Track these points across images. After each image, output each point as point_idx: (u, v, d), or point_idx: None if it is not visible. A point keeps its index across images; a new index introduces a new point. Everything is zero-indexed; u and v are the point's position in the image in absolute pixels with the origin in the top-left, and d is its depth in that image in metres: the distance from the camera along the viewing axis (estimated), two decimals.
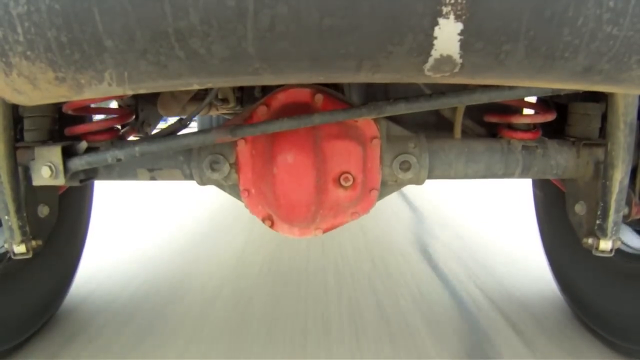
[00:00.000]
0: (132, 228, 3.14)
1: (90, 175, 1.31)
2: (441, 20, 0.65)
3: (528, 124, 1.32)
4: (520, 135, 1.31)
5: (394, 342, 1.63)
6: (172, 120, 1.87)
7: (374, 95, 1.63)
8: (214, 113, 2.69)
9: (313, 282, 2.18)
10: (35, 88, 0.79)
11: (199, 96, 1.83)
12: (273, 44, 0.68)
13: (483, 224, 3.20)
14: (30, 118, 1.36)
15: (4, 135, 1.11)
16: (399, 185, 1.34)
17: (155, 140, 1.15)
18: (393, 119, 1.29)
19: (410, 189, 4.31)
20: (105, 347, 1.63)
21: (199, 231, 3.08)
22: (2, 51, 0.72)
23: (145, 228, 3.15)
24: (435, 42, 0.68)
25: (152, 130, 1.88)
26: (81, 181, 1.25)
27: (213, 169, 1.27)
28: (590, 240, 1.25)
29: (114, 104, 1.87)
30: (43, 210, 1.38)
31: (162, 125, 1.91)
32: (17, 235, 1.22)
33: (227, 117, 3.48)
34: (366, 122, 1.24)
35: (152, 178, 1.34)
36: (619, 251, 1.47)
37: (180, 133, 1.27)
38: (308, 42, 0.68)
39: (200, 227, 3.17)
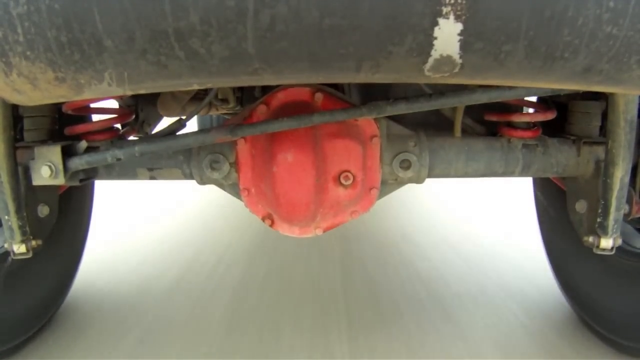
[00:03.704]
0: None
1: (90, 174, 1.31)
2: (441, 21, 0.65)
3: (528, 123, 1.32)
4: (520, 133, 1.31)
5: None
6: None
7: (374, 94, 1.63)
8: (213, 113, 2.69)
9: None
10: (35, 88, 0.79)
11: (199, 96, 1.83)
12: (273, 44, 0.68)
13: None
14: (30, 118, 1.36)
15: (4, 135, 1.11)
16: (399, 183, 1.34)
17: (155, 139, 1.15)
18: (393, 117, 1.29)
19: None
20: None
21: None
22: (2, 51, 0.72)
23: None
24: (435, 42, 0.68)
25: (152, 130, 1.88)
26: (81, 181, 1.25)
27: (213, 168, 1.27)
28: (591, 239, 1.25)
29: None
30: (43, 210, 1.37)
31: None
32: (17, 235, 1.21)
33: (227, 117, 3.48)
34: (366, 121, 1.24)
35: (152, 177, 1.34)
36: (620, 249, 1.47)
37: (180, 132, 1.27)
38: (308, 42, 0.68)
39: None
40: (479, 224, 3.15)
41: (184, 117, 1.36)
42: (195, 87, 0.81)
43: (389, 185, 1.34)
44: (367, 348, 1.60)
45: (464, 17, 0.65)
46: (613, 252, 1.23)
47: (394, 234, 2.94)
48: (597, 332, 1.66)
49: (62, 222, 1.66)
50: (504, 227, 3.06)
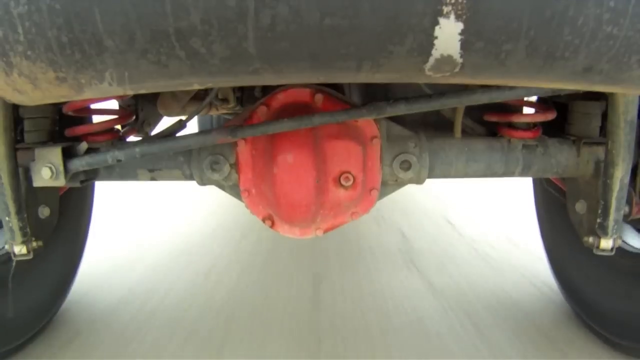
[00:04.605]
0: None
1: (91, 176, 1.30)
2: (442, 20, 0.65)
3: (528, 123, 1.32)
4: (520, 134, 1.31)
5: None
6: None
7: (374, 94, 1.63)
8: (214, 113, 2.68)
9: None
10: (35, 88, 0.79)
11: (199, 96, 1.82)
12: (273, 44, 0.68)
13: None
14: (30, 119, 1.36)
15: (4, 137, 1.11)
16: (399, 184, 1.34)
17: (155, 141, 1.15)
18: (393, 118, 1.29)
19: None
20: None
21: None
22: (3, 51, 0.72)
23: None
24: (435, 41, 0.68)
25: (152, 130, 1.88)
26: (81, 182, 1.25)
27: (213, 169, 1.27)
28: (591, 239, 1.25)
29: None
30: (44, 211, 1.37)
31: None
32: (18, 237, 1.21)
33: (227, 117, 3.47)
34: (366, 122, 1.24)
35: (153, 178, 1.34)
36: (620, 250, 1.47)
37: (180, 133, 1.27)
38: (308, 42, 0.68)
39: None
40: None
41: (184, 118, 1.36)
42: (196, 86, 0.81)
43: (389, 186, 1.34)
44: None
45: (464, 17, 0.65)
46: (613, 252, 1.24)
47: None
48: (596, 332, 1.66)
49: (62, 223, 1.66)
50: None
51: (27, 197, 1.29)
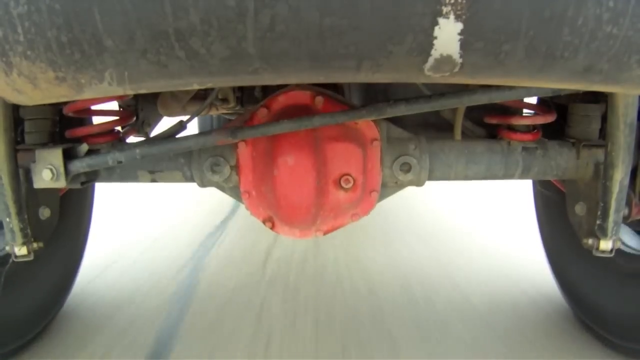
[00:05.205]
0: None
1: (91, 177, 1.30)
2: (441, 20, 0.65)
3: (528, 125, 1.32)
4: (520, 136, 1.31)
5: None
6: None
7: (374, 95, 1.63)
8: (214, 113, 2.69)
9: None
10: (35, 88, 0.79)
11: (199, 96, 1.83)
12: (273, 44, 0.68)
13: None
14: (31, 120, 1.36)
15: (5, 137, 1.11)
16: (399, 186, 1.34)
17: (156, 142, 1.15)
18: (393, 120, 1.29)
19: None
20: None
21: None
22: (2, 51, 0.72)
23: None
24: (435, 41, 0.68)
25: (152, 130, 1.88)
26: (82, 183, 1.25)
27: (214, 171, 1.27)
28: (590, 241, 1.25)
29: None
30: (44, 213, 1.37)
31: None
32: (19, 238, 1.21)
33: (227, 117, 3.48)
34: (366, 124, 1.24)
35: (153, 180, 1.34)
36: (619, 251, 1.47)
37: (180, 135, 1.27)
38: (308, 42, 0.68)
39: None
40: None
41: (184, 119, 1.36)
42: (196, 86, 0.81)
43: (389, 188, 1.34)
44: None
45: (464, 17, 0.65)
46: (612, 254, 1.24)
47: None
48: (596, 334, 1.66)
49: (63, 224, 1.66)
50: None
51: (28, 198, 1.29)
